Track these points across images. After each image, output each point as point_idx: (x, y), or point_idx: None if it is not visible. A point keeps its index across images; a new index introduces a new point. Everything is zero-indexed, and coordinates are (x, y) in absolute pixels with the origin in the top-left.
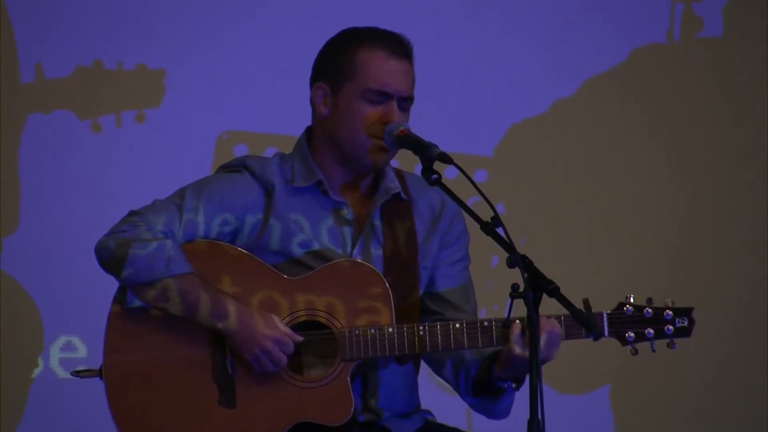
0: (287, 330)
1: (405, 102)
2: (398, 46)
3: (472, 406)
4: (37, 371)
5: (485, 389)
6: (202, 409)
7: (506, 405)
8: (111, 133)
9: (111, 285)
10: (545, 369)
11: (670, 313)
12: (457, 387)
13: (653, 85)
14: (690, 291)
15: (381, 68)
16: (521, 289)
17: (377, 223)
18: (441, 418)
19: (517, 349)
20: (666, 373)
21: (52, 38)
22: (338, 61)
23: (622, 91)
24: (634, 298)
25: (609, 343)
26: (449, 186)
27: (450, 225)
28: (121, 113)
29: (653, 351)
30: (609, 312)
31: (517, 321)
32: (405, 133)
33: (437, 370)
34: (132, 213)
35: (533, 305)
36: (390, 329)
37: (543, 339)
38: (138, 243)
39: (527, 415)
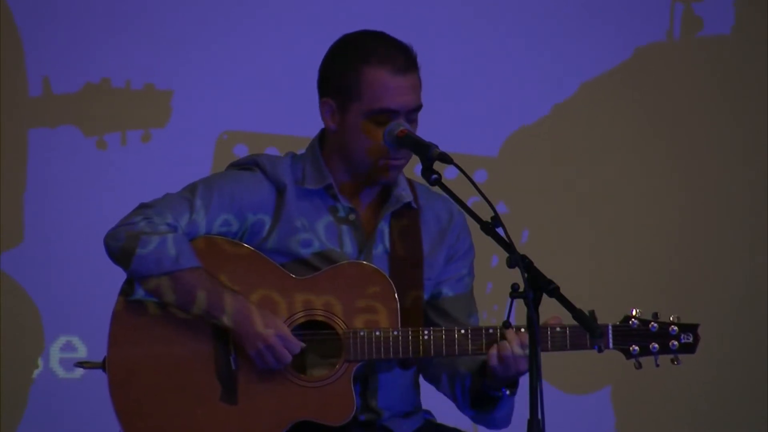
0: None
1: (412, 113)
2: (403, 60)
3: (472, 418)
4: (37, 371)
5: (482, 399)
6: (204, 405)
7: (505, 413)
8: (116, 151)
9: (111, 285)
10: (547, 368)
11: (676, 328)
12: (455, 400)
13: (654, 86)
14: (689, 293)
15: (387, 88)
16: (521, 289)
17: (385, 230)
18: (441, 419)
19: (493, 361)
20: (667, 374)
21: (60, 53)
22: (343, 78)
23: (623, 91)
24: (639, 311)
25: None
26: (449, 186)
27: (458, 239)
28: (126, 132)
29: (657, 366)
30: (614, 325)
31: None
32: (405, 133)
33: (437, 385)
34: (142, 206)
35: (533, 305)
36: (395, 332)
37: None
38: (147, 236)
39: (527, 415)
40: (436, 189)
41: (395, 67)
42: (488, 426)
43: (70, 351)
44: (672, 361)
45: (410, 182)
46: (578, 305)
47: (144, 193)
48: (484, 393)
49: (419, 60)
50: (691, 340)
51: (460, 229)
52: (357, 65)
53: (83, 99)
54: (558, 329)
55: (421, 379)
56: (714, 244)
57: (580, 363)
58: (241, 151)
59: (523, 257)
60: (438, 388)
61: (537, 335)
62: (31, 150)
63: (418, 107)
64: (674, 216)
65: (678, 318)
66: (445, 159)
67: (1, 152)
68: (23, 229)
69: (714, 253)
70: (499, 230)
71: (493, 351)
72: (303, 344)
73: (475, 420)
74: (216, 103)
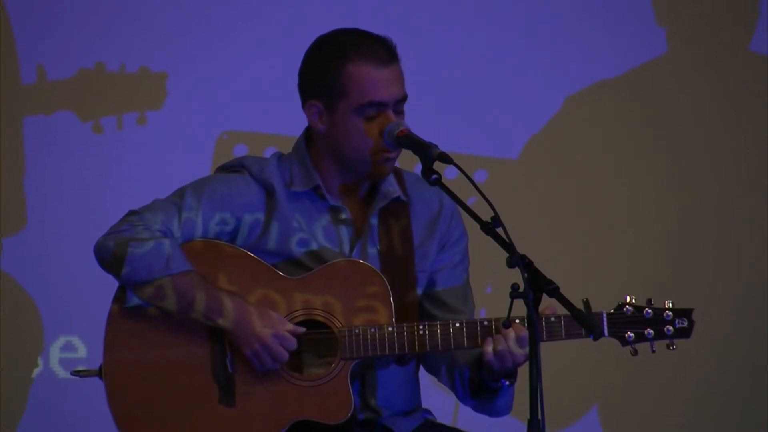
0: (289, 325)
1: (399, 104)
2: (384, 53)
3: (473, 407)
4: (37, 371)
5: (482, 390)
6: (202, 408)
7: (505, 401)
8: (112, 135)
9: (111, 285)
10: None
11: (670, 314)
12: (455, 391)
13: (654, 88)
14: (689, 295)
15: (372, 81)
16: (521, 289)
17: (375, 226)
18: (441, 418)
19: (488, 356)
20: (654, 384)
21: (54, 40)
22: (327, 79)
23: (623, 93)
24: (634, 298)
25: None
26: (449, 186)
27: (449, 225)
28: (122, 115)
29: (653, 351)
30: (609, 312)
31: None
32: (404, 133)
33: (437, 377)
34: (131, 212)
35: (533, 305)
36: (390, 328)
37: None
38: (136, 242)
39: (527, 415)
40: None
41: (378, 60)
42: (490, 414)
43: (70, 351)
44: (668, 346)
45: (398, 172)
46: (576, 304)
47: (142, 177)
48: (483, 384)
49: (418, 59)
50: (686, 324)
51: (451, 216)
52: (339, 63)
53: (78, 84)
54: (553, 319)
55: (420, 377)
56: (714, 245)
57: (563, 392)
58: (241, 151)
59: (523, 257)
60: (438, 379)
61: (537, 335)
62: (27, 138)
63: (404, 98)
64: (674, 217)
65: (672, 303)
66: (445, 159)
67: (1, 142)
68: (26, 220)
69: (713, 255)
70: (500, 230)
71: (488, 347)
72: (303, 329)
73: (476, 409)
74: (216, 103)
